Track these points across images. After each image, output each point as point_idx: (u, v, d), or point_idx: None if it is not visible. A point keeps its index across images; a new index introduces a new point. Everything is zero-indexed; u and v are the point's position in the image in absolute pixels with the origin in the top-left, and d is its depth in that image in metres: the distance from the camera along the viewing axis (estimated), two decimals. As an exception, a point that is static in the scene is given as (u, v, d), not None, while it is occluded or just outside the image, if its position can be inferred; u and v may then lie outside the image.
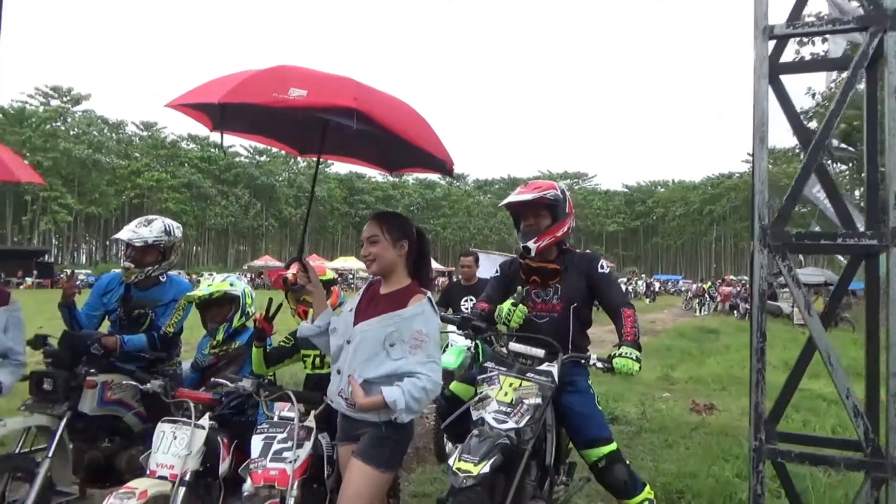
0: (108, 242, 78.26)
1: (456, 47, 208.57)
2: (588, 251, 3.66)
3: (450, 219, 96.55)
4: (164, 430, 2.95)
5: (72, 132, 71.03)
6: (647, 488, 3.16)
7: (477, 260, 6.18)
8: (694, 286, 38.76)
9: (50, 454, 3.24)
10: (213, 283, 3.72)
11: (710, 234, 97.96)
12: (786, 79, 2.21)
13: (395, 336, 2.49)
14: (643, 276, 55.73)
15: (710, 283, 36.05)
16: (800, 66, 2.16)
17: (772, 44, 2.08)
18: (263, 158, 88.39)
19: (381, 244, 2.62)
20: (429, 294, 2.63)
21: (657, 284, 50.21)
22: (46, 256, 54.91)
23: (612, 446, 3.04)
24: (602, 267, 3.26)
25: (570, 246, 3.41)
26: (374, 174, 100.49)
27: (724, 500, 4.00)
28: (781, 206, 1.80)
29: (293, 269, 2.86)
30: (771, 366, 8.06)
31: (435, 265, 49.79)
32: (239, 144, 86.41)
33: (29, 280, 40.18)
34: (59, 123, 70.84)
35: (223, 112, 2.68)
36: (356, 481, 2.48)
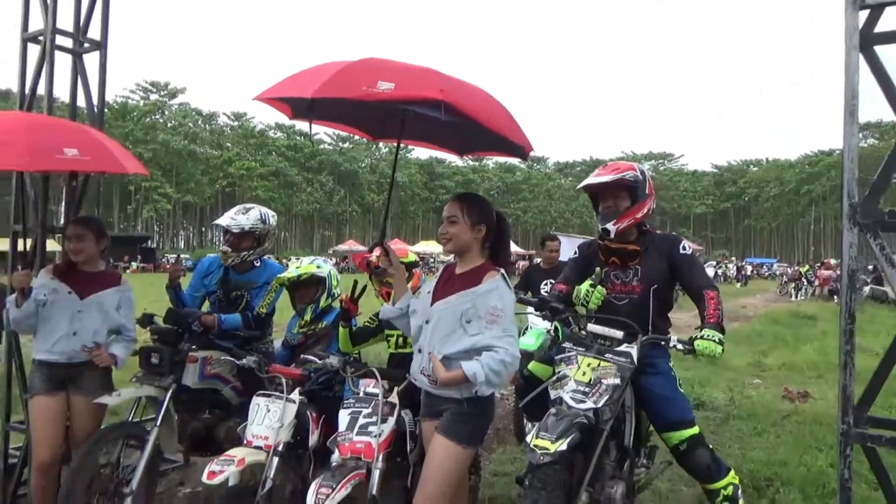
0: (203, 229, 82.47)
1: (536, 25, 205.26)
2: (671, 233, 3.59)
3: (530, 202, 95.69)
4: (258, 403, 3.15)
5: (169, 124, 75.10)
6: (732, 473, 3.11)
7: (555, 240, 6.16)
8: (790, 270, 36.86)
9: (158, 423, 3.51)
10: (300, 265, 3.88)
11: (807, 215, 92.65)
12: (883, 49, 2.11)
13: (470, 312, 2.56)
14: (733, 259, 53.37)
15: (807, 267, 34.19)
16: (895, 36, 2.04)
17: (864, 13, 1.99)
18: (346, 145, 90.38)
19: (460, 225, 2.69)
20: (502, 271, 2.67)
21: (749, 268, 48.04)
22: (149, 242, 58.50)
23: (695, 430, 3.01)
24: (684, 248, 3.20)
25: (651, 227, 3.36)
26: (455, 159, 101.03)
27: (816, 490, 3.87)
28: (874, 182, 1.73)
29: (376, 252, 2.94)
30: (873, 353, 7.67)
31: (515, 249, 49.57)
32: (323, 132, 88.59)
33: (134, 264, 43.00)
34: (157, 116, 75.07)
35: (310, 104, 2.79)
36: (439, 456, 2.56)
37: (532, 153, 2.91)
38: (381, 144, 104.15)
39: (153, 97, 75.97)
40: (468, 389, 2.52)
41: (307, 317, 3.78)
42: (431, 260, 54.94)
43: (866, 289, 27.58)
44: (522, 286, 5.94)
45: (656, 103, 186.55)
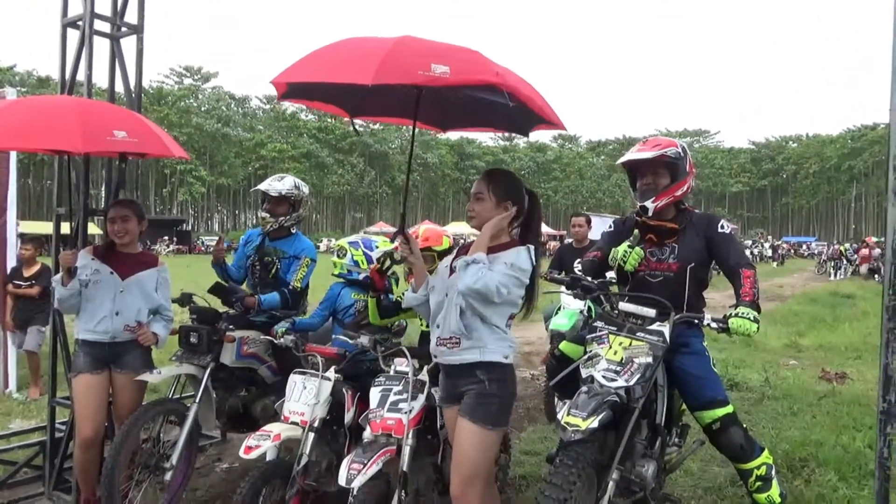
0: (237, 211, 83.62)
1: (569, 2, 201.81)
2: (708, 212, 3.53)
3: (561, 182, 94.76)
4: (295, 380, 3.21)
5: (203, 108, 76.01)
6: (766, 453, 3.08)
7: (589, 221, 6.12)
8: (829, 248, 35.97)
9: (197, 400, 3.61)
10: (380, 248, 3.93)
11: (848, 192, 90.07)
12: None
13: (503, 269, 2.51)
14: (769, 237, 52.27)
15: (846, 246, 33.30)
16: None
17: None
18: (377, 127, 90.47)
19: (485, 202, 2.63)
20: (529, 245, 2.62)
21: (785, 246, 47.02)
22: (184, 225, 59.60)
23: (728, 409, 2.98)
24: (722, 227, 3.15)
25: (689, 206, 3.30)
26: (485, 139, 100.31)
27: (852, 470, 3.81)
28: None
29: (398, 240, 2.89)
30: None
31: (546, 229, 49.28)
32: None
33: (170, 247, 43.86)
34: (191, 100, 76.00)
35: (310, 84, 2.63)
36: (467, 441, 2.51)
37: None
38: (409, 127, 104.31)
39: (187, 81, 76.88)
40: (490, 350, 2.52)
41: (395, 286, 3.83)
42: (462, 240, 55.08)
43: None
44: (556, 266, 5.92)
45: (691, 79, 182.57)
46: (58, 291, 3.48)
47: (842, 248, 32.60)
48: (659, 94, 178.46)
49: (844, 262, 29.42)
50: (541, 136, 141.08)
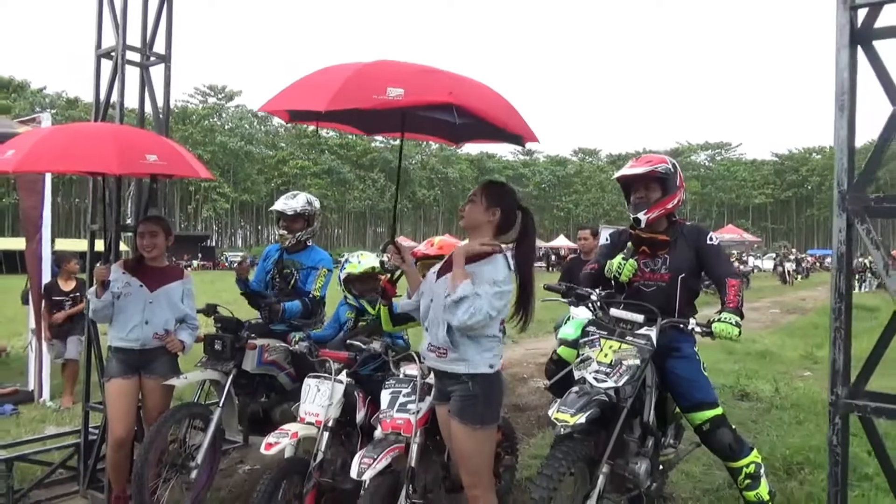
0: (259, 227, 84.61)
1: (586, 14, 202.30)
2: (698, 224, 3.70)
3: (582, 195, 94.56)
4: (309, 384, 3.44)
5: (226, 126, 77.39)
6: (755, 452, 3.23)
7: (596, 234, 6.30)
8: (854, 261, 35.48)
9: (221, 404, 3.85)
10: (363, 261, 4.09)
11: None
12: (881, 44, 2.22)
13: (473, 280, 2.63)
14: (794, 250, 51.53)
15: (871, 259, 32.86)
16: (894, 31, 2.15)
17: (862, 11, 2.10)
18: (397, 143, 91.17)
19: (476, 205, 2.80)
20: (507, 254, 2.76)
21: (810, 259, 46.44)
22: (208, 241, 60.55)
23: (718, 410, 3.15)
24: (711, 239, 3.33)
25: (680, 219, 3.49)
26: (505, 153, 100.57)
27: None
28: (860, 173, 1.86)
29: (389, 251, 3.08)
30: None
31: (565, 242, 49.26)
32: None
33: (195, 262, 44.62)
34: (215, 119, 77.45)
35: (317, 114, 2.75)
36: (461, 442, 2.72)
37: (536, 143, 2.97)
38: (431, 142, 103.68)
39: (211, 100, 78.48)
40: (477, 361, 2.66)
41: (367, 307, 4.01)
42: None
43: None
44: (566, 277, 6.11)
45: (713, 91, 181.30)
46: (92, 303, 3.76)
47: (866, 261, 32.19)
48: (679, 107, 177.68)
49: (868, 275, 29.07)
50: (561, 149, 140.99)
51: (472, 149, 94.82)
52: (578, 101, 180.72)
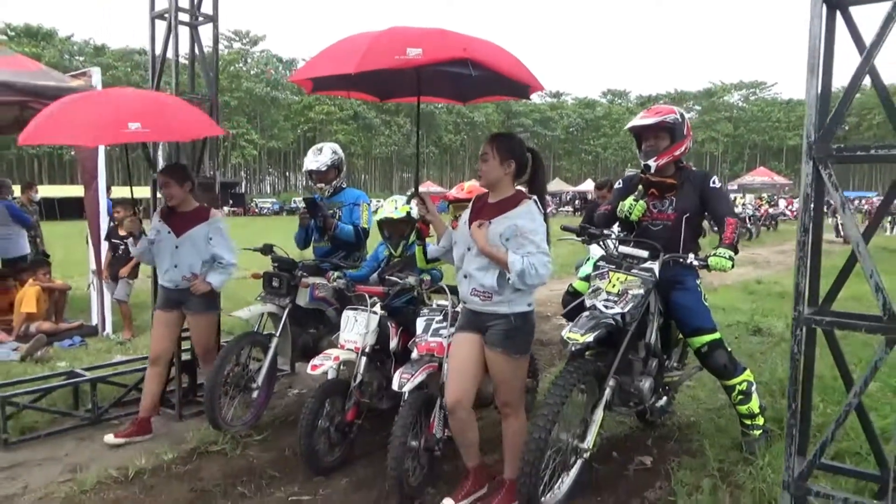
0: (287, 173, 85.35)
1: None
2: (703, 169, 4.03)
3: (611, 138, 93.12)
4: (348, 315, 3.91)
5: (252, 72, 77.24)
6: (747, 372, 3.65)
7: (611, 188, 6.71)
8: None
9: (278, 334, 4.36)
10: (398, 206, 4.44)
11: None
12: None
13: (509, 232, 2.88)
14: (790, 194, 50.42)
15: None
16: (869, -2, 2.42)
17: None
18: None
19: (490, 163, 2.98)
20: (534, 198, 3.00)
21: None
22: (238, 187, 61.43)
23: (716, 335, 3.55)
24: (714, 182, 3.66)
25: (687, 164, 3.82)
26: (533, 97, 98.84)
27: (836, 395, 4.31)
28: (825, 128, 2.19)
29: (414, 202, 3.41)
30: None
31: (592, 187, 49.04)
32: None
33: (226, 209, 45.56)
34: (241, 64, 77.28)
35: (350, 77, 2.90)
36: (502, 369, 3.01)
37: (545, 91, 3.25)
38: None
39: (236, 45, 78.16)
40: (517, 302, 2.93)
41: (399, 249, 4.42)
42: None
43: None
44: (587, 219, 6.50)
45: (748, 29, 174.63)
46: (132, 250, 4.31)
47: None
48: (713, 46, 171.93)
49: (901, 218, 28.71)
50: (590, 91, 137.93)
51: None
52: (608, 41, 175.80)
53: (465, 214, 3.14)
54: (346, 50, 2.92)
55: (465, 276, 3.05)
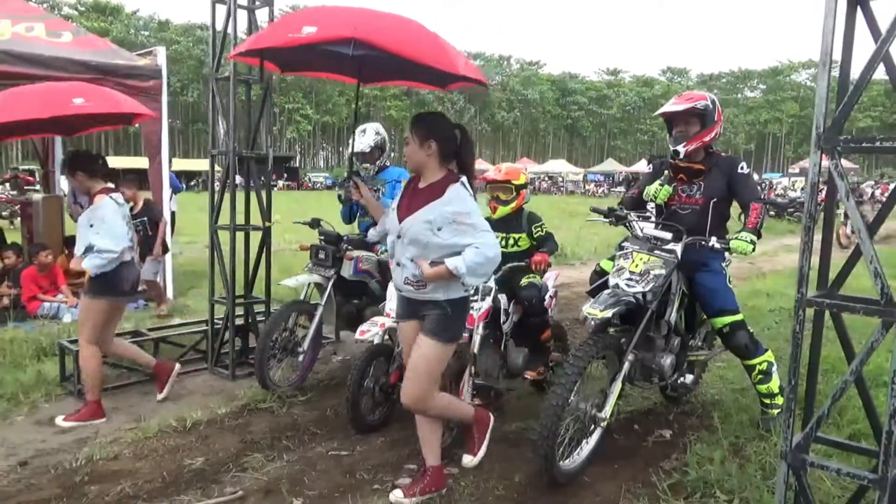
0: (340, 149, 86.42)
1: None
2: (732, 155, 4.09)
3: (655, 117, 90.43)
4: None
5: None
6: (769, 353, 3.76)
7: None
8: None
9: (323, 303, 4.66)
10: None
11: None
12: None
13: (439, 220, 2.76)
14: (889, 178, 48.19)
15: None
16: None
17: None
18: (477, 63, 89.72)
19: (411, 146, 2.88)
20: (462, 178, 2.87)
21: (912, 188, 43.48)
22: (293, 162, 62.70)
23: (738, 316, 3.66)
24: (742, 168, 3.75)
25: (716, 150, 3.90)
26: (590, 74, 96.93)
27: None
28: (835, 116, 2.28)
29: (350, 185, 3.51)
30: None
31: (646, 168, 47.94)
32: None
33: (281, 183, 46.64)
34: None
35: (277, 56, 3.20)
36: (427, 358, 2.89)
37: (494, 82, 3.26)
38: (512, 60, 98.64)
39: (290, 21, 79.03)
40: (454, 289, 2.82)
41: None
42: (560, 179, 54.75)
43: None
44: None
45: (818, 4, 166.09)
46: None
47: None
48: (779, 23, 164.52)
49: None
50: (648, 69, 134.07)
51: (553, 68, 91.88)
52: (669, 18, 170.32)
53: (395, 201, 3.08)
54: (268, 29, 3.17)
55: (399, 265, 2.95)
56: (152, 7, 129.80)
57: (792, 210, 21.18)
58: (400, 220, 2.91)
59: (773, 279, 9.92)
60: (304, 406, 4.40)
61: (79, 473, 3.38)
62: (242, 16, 5.00)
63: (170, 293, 7.70)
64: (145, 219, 7.07)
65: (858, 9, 2.49)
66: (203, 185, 41.89)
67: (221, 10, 4.95)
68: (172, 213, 8.09)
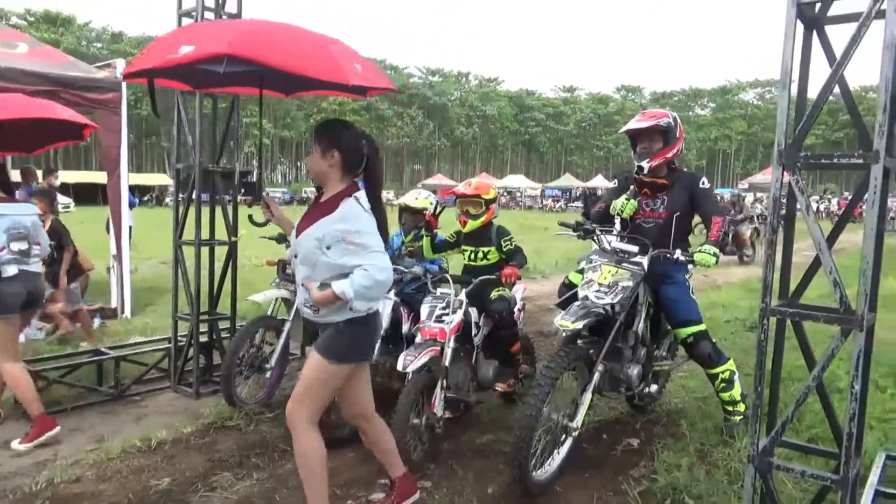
0: (299, 163, 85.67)
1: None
2: (693, 171, 4.24)
3: (620, 134, 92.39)
4: (364, 301, 4.16)
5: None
6: (731, 362, 3.89)
7: None
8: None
9: (290, 319, 4.61)
10: (420, 198, 4.78)
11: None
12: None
13: (328, 239, 2.58)
14: (830, 196, 50.18)
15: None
16: (842, 19, 2.63)
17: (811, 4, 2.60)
18: (436, 79, 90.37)
19: (313, 155, 2.73)
20: (356, 195, 2.67)
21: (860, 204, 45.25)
22: (250, 176, 61.81)
23: (701, 327, 3.78)
24: (703, 183, 3.89)
25: (678, 166, 4.04)
26: (545, 90, 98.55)
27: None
28: (795, 134, 2.41)
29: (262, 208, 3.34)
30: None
31: (603, 183, 49.00)
32: (413, 66, 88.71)
33: (238, 198, 45.95)
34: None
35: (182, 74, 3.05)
36: (310, 368, 2.70)
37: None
38: (471, 77, 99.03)
39: (250, 34, 78.37)
40: (347, 311, 2.61)
41: (409, 237, 4.71)
42: (519, 194, 55.35)
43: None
44: (587, 213, 6.74)
45: (766, 25, 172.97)
46: None
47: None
48: (728, 44, 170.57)
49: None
50: (603, 87, 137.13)
51: (511, 85, 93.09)
52: (623, 37, 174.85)
53: (298, 220, 2.89)
54: (157, 45, 3.02)
55: (302, 285, 2.77)
56: (106, 19, 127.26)
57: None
58: (297, 236, 2.76)
59: (727, 291, 10.21)
60: (271, 423, 4.33)
61: (39, 497, 3.27)
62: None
63: (128, 311, 7.53)
64: (53, 242, 6.58)
65: (815, 33, 2.65)
66: (157, 201, 41.19)
67: (188, 23, 4.91)
68: (129, 228, 7.89)
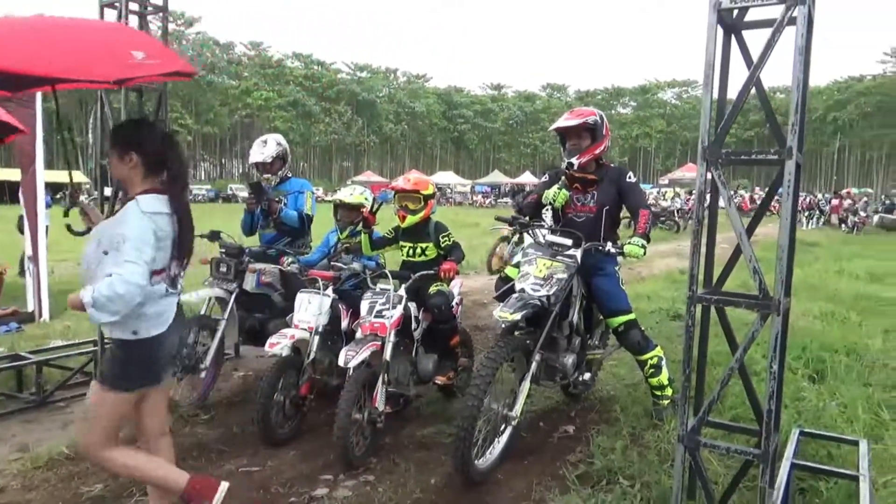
0: (223, 160, 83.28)
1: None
2: (620, 165, 4.42)
3: (549, 132, 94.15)
4: (302, 297, 4.14)
5: (187, 54, 74.85)
6: (658, 349, 4.08)
7: None
8: (807, 199, 37.14)
9: (225, 317, 4.53)
10: (354, 193, 4.78)
11: (832, 143, 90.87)
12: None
13: (104, 244, 2.43)
14: (742, 191, 52.95)
15: (820, 196, 34.43)
16: (758, 24, 2.82)
17: (731, 7, 2.77)
18: (364, 75, 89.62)
19: (112, 160, 2.56)
20: (139, 197, 2.49)
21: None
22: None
23: (630, 316, 3.95)
24: (630, 178, 4.06)
25: (606, 161, 4.20)
26: (474, 88, 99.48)
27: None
28: (718, 131, 2.57)
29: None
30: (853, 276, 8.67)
31: (531, 179, 49.92)
32: (340, 62, 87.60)
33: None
34: (175, 46, 74.76)
35: None
36: (92, 395, 2.54)
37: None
38: (399, 73, 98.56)
39: (171, 27, 75.43)
40: (118, 328, 2.45)
41: (345, 233, 4.71)
42: (449, 190, 55.68)
43: (876, 217, 28.12)
44: (519, 210, 6.88)
45: (682, 28, 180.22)
46: None
47: (817, 198, 33.73)
48: (648, 45, 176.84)
49: (817, 212, 30.60)
50: (530, 85, 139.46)
51: (439, 82, 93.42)
52: (549, 36, 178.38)
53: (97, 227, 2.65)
54: None
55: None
56: (21, 9, 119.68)
57: (664, 219, 22.76)
58: None
59: (651, 283, 10.65)
60: (207, 425, 4.25)
61: (-40, 511, 3.11)
62: (133, 21, 4.79)
63: (46, 314, 7.18)
64: None
65: (733, 37, 2.82)
66: (70, 199, 38.67)
67: (111, 14, 4.73)
68: (45, 228, 7.51)
